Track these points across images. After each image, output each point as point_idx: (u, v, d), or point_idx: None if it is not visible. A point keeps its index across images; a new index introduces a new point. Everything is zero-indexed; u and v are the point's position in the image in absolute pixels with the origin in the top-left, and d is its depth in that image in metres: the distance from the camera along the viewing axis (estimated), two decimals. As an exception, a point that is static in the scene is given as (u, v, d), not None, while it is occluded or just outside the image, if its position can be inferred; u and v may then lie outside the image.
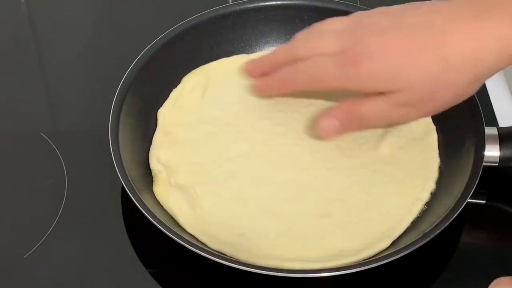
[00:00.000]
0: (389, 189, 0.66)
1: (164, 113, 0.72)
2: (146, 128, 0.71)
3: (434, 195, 0.66)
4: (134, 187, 0.62)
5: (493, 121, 0.73)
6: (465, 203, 0.61)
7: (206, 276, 0.63)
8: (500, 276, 0.50)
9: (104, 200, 0.68)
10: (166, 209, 0.65)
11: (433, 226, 0.60)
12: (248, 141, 0.69)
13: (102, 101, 0.76)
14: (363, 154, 0.68)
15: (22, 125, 0.75)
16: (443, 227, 0.59)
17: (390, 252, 0.59)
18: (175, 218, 0.64)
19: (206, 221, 0.64)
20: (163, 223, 0.60)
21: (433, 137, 0.70)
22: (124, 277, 0.63)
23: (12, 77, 0.80)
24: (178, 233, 0.60)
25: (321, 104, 0.72)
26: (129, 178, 0.63)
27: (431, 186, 0.66)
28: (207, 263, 0.59)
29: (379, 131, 0.70)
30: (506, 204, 0.69)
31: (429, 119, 0.71)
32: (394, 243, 0.63)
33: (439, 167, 0.68)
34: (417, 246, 0.58)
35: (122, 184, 0.63)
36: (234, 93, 0.73)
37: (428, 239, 0.59)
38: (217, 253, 0.61)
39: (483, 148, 0.64)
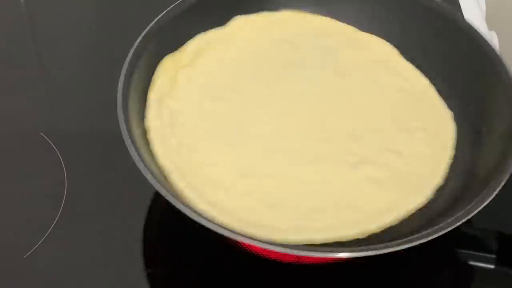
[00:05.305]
0: (418, 150, 0.65)
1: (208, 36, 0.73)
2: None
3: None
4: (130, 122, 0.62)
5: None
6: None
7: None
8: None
9: (104, 200, 0.68)
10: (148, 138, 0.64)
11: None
12: (267, 88, 0.70)
13: (103, 101, 0.76)
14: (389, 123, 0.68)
15: (22, 125, 0.76)
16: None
17: (431, 230, 0.56)
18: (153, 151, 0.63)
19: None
20: (151, 172, 0.58)
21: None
22: (124, 276, 0.64)
23: (12, 77, 0.80)
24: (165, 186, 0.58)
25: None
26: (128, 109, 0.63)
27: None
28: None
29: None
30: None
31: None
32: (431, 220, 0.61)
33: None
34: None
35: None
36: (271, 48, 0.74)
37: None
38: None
39: None
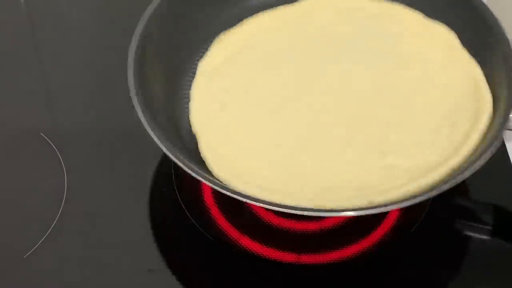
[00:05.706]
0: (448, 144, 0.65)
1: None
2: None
3: None
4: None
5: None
6: None
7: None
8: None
9: (104, 200, 0.68)
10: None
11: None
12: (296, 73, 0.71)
13: (103, 100, 0.76)
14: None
15: (22, 125, 0.75)
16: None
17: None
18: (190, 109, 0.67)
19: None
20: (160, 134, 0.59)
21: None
22: (124, 276, 0.64)
23: (12, 77, 0.80)
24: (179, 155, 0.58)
25: None
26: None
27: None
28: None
29: None
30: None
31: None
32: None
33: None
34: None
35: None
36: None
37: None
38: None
39: None
